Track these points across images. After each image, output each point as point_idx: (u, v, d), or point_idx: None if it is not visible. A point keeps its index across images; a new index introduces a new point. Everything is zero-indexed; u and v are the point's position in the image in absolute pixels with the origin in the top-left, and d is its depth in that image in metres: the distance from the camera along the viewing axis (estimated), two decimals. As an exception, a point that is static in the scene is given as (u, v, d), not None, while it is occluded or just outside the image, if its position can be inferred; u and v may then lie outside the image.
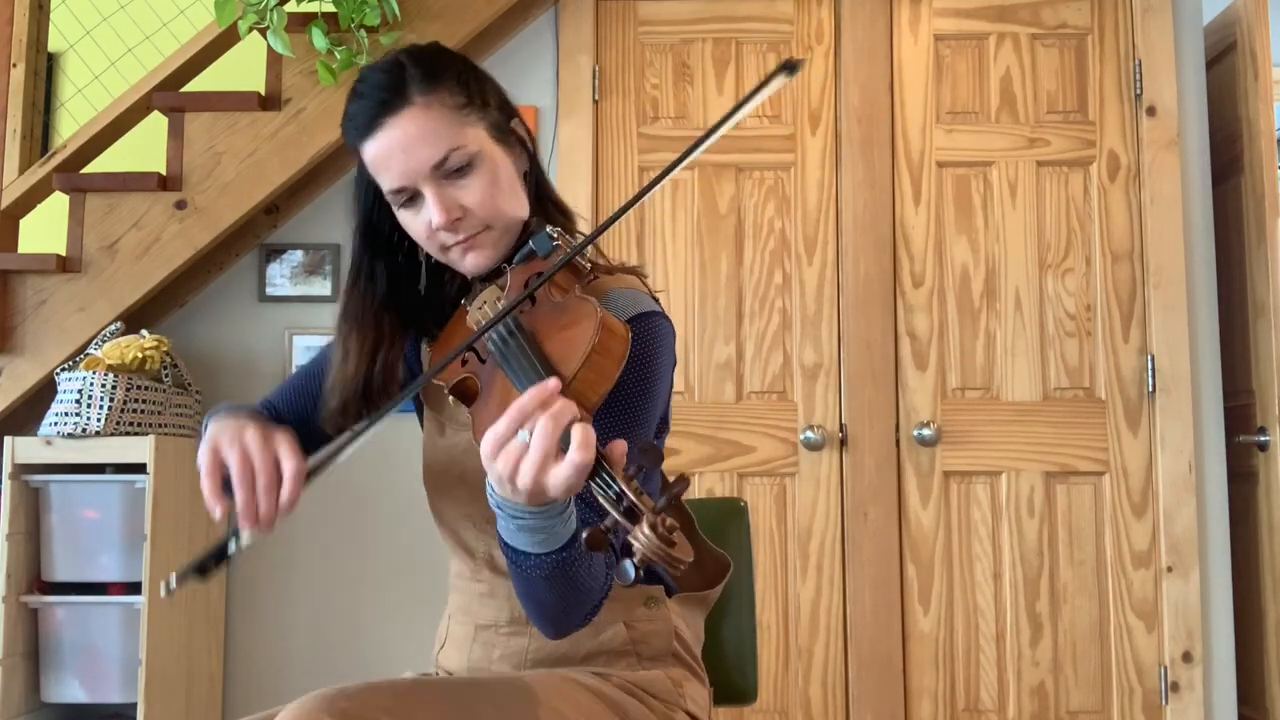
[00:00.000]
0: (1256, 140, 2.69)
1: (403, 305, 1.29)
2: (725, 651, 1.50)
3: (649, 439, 1.17)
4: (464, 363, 1.11)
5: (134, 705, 2.36)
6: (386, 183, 1.19)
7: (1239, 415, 2.77)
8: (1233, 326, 2.81)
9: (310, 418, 1.29)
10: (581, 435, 0.88)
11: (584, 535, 0.86)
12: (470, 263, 1.21)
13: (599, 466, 0.89)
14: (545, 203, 1.28)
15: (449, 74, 1.19)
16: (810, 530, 2.75)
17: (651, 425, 1.19)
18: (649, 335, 1.17)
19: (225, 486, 1.10)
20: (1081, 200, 2.83)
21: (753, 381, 2.80)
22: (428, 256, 1.26)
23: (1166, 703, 2.69)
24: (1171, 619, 2.70)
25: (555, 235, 1.15)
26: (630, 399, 1.13)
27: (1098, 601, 2.73)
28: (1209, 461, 2.75)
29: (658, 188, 1.09)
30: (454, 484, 1.29)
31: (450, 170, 1.17)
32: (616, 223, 1.13)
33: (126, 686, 2.38)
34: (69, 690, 2.40)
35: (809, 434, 2.75)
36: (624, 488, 0.87)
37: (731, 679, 1.51)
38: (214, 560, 1.06)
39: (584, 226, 1.32)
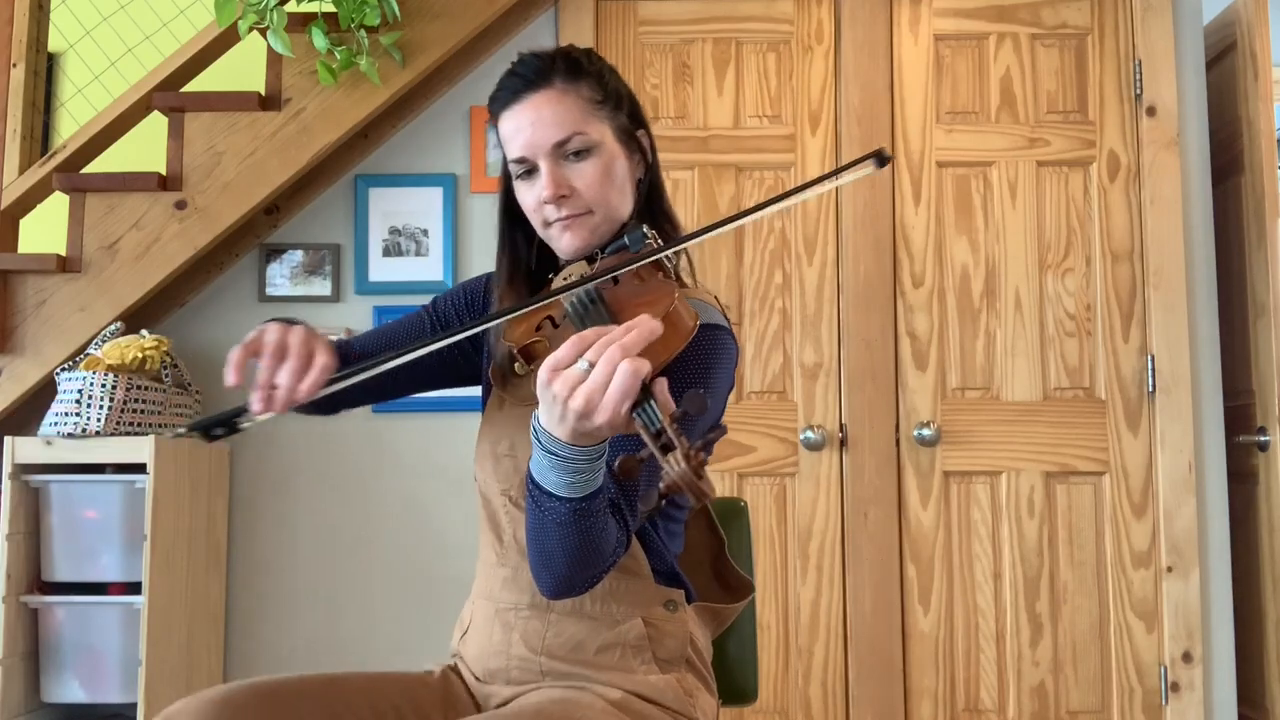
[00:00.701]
0: (1256, 140, 2.70)
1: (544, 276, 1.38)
2: (725, 651, 1.50)
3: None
4: (537, 329, 1.17)
5: (134, 705, 2.36)
6: (512, 151, 1.30)
7: (1239, 415, 2.78)
8: (1233, 326, 2.81)
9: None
10: (636, 362, 0.94)
11: (617, 462, 0.93)
12: (567, 241, 1.30)
13: (646, 398, 0.95)
14: (655, 212, 1.37)
15: (593, 73, 1.32)
16: (810, 530, 2.75)
17: (704, 428, 1.23)
18: (714, 343, 1.25)
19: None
20: (1081, 200, 2.83)
21: (753, 381, 2.80)
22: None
23: (1166, 703, 2.69)
24: (1171, 619, 2.70)
25: (650, 235, 1.21)
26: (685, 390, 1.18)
27: (1098, 601, 2.73)
28: (1209, 461, 2.75)
29: (758, 215, 1.17)
30: (502, 456, 1.34)
31: (569, 151, 1.28)
32: (716, 234, 1.19)
33: (126, 686, 2.38)
34: (69, 690, 2.40)
35: (809, 434, 2.75)
36: (665, 424, 0.93)
37: (732, 679, 1.51)
38: (223, 426, 1.13)
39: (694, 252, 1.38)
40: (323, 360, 1.15)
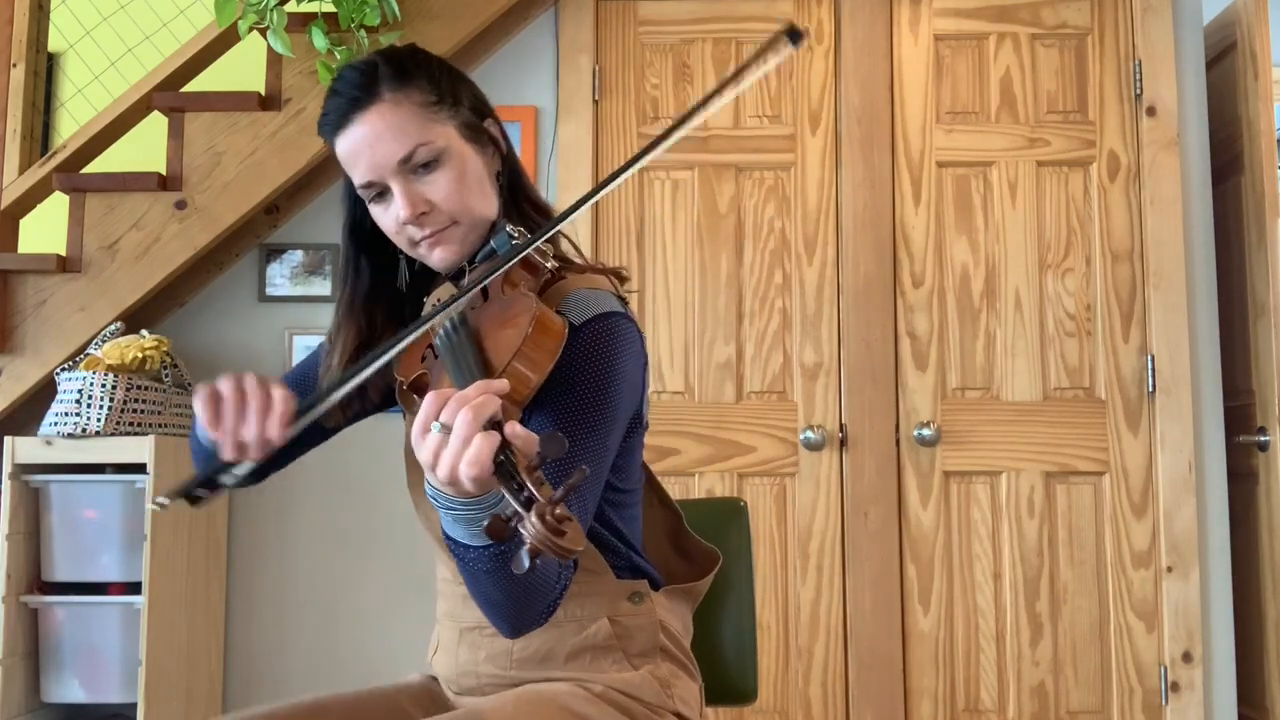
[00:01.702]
0: (1256, 140, 2.69)
1: (391, 299, 1.33)
2: (725, 651, 1.50)
3: (610, 440, 1.17)
4: (422, 358, 1.14)
5: (134, 705, 2.36)
6: (357, 177, 1.23)
7: (1239, 415, 2.77)
8: (1233, 326, 2.81)
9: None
10: (487, 432, 0.91)
11: (485, 524, 0.88)
12: (438, 257, 1.24)
13: (504, 456, 0.91)
14: (521, 203, 1.30)
15: (421, 73, 1.23)
16: (810, 530, 2.75)
17: (610, 426, 1.17)
18: (606, 335, 1.16)
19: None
20: (1081, 200, 2.83)
21: (753, 381, 2.80)
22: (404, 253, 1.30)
23: (1166, 703, 2.69)
24: (1171, 619, 2.70)
25: (516, 234, 1.16)
26: (584, 400, 1.13)
27: (1098, 601, 2.73)
28: (1209, 461, 2.75)
29: (623, 177, 1.14)
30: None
31: (417, 165, 1.20)
32: (575, 217, 1.14)
33: (126, 686, 2.38)
34: (69, 690, 2.40)
35: (809, 434, 2.75)
36: (524, 478, 0.89)
37: (731, 679, 1.51)
38: (204, 486, 1.09)
39: (569, 229, 1.30)
40: (282, 393, 1.11)
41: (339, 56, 2.56)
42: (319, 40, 2.52)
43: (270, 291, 2.81)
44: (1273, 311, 2.63)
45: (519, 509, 0.88)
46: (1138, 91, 2.83)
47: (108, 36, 3.24)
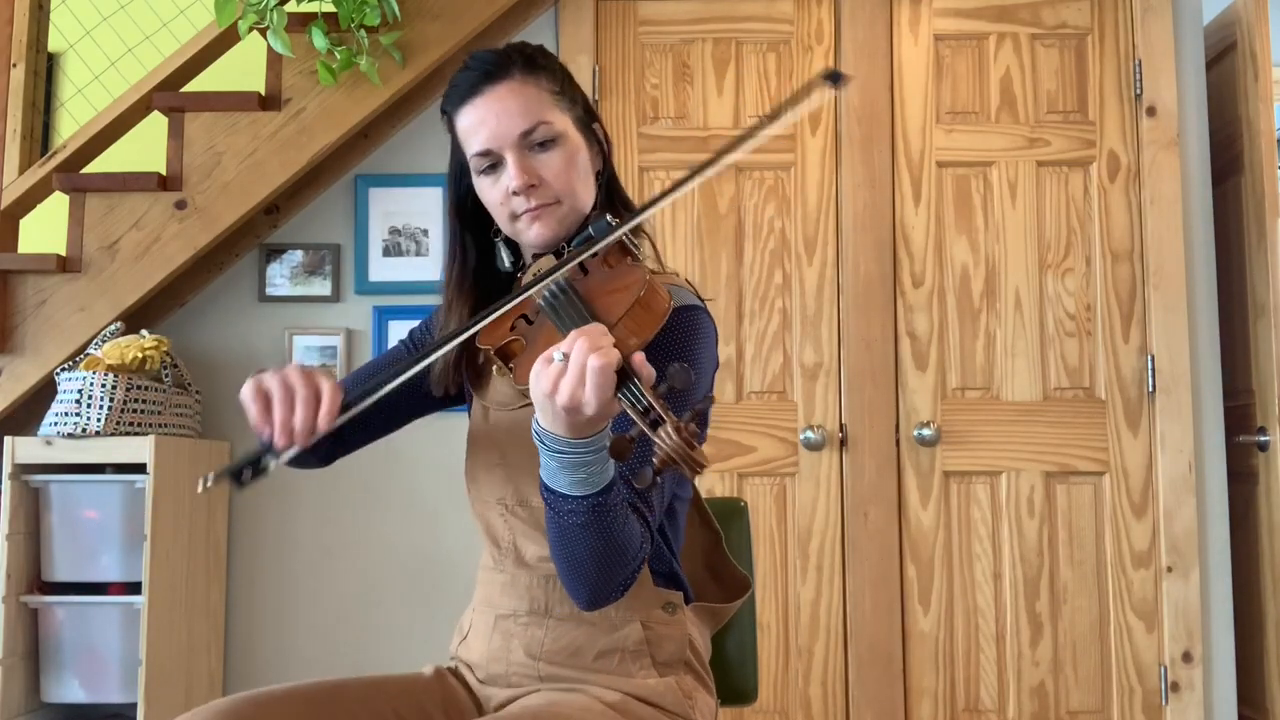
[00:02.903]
0: (1256, 140, 2.70)
1: (492, 282, 1.37)
2: (725, 651, 1.50)
3: None
4: (511, 328, 1.17)
5: (134, 705, 2.36)
6: (475, 145, 1.27)
7: (1239, 415, 2.78)
8: (1233, 326, 2.81)
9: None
10: (607, 349, 0.96)
11: (609, 443, 0.93)
12: (535, 233, 1.28)
13: (627, 378, 0.96)
14: (615, 203, 1.36)
15: (549, 66, 1.31)
16: (810, 530, 2.75)
17: (687, 402, 1.21)
18: (692, 323, 1.23)
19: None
20: (1081, 200, 2.83)
21: (753, 381, 2.80)
22: (498, 233, 1.35)
23: (1166, 703, 2.69)
24: (1171, 619, 2.70)
25: (613, 222, 1.19)
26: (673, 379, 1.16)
27: (1098, 601, 2.73)
28: (1209, 461, 2.75)
29: (698, 179, 1.17)
30: (493, 465, 1.33)
31: (535, 142, 1.26)
32: (664, 205, 1.19)
33: (126, 686, 2.38)
34: (69, 690, 2.40)
35: (809, 434, 2.75)
36: (650, 400, 0.94)
37: (732, 679, 1.51)
38: (250, 470, 1.11)
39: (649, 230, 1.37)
40: (330, 385, 1.15)
41: (339, 56, 2.56)
42: (319, 40, 2.52)
43: (270, 291, 2.81)
44: (1273, 311, 2.63)
45: (645, 429, 0.93)
46: (1138, 91, 2.83)
47: (108, 36, 3.24)
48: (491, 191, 1.29)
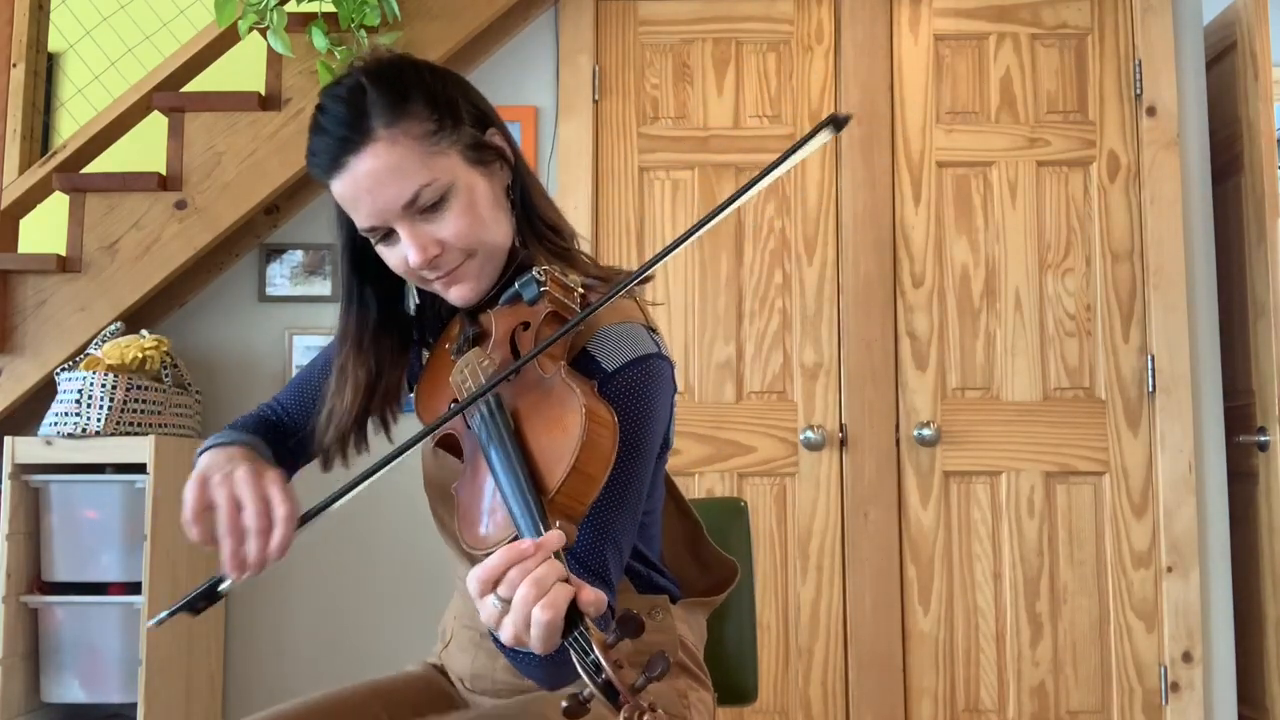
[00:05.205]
0: (1256, 140, 2.69)
1: (402, 326, 1.27)
2: (725, 651, 1.50)
3: (644, 484, 1.13)
4: (451, 404, 1.09)
5: (134, 705, 2.36)
6: (358, 221, 1.13)
7: (1239, 415, 2.77)
8: (1233, 326, 2.81)
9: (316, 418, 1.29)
10: (551, 596, 0.84)
11: (564, 706, 0.83)
12: (455, 295, 1.16)
13: (577, 630, 0.85)
14: (533, 219, 1.20)
15: (415, 95, 1.11)
16: (810, 530, 2.75)
17: (645, 472, 1.13)
18: (641, 382, 1.09)
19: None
20: (1081, 200, 2.83)
21: (753, 381, 2.80)
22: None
23: (1166, 703, 2.69)
24: (1171, 619, 2.70)
25: (542, 277, 1.07)
26: (623, 460, 1.04)
27: (1098, 601, 2.73)
28: (1209, 461, 2.75)
29: (681, 248, 1.04)
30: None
31: (423, 207, 1.10)
32: (620, 291, 1.06)
33: (126, 686, 2.38)
34: (69, 690, 2.40)
35: (809, 434, 2.75)
36: (601, 659, 0.83)
37: (732, 679, 1.51)
38: (204, 599, 1.04)
39: (581, 245, 1.27)
40: (284, 509, 1.06)
41: (339, 56, 2.56)
42: (319, 40, 2.52)
43: (270, 291, 2.81)
44: (1273, 311, 2.63)
45: (598, 693, 0.82)
46: (1138, 91, 2.83)
47: (108, 36, 3.24)
48: (392, 258, 1.15)
